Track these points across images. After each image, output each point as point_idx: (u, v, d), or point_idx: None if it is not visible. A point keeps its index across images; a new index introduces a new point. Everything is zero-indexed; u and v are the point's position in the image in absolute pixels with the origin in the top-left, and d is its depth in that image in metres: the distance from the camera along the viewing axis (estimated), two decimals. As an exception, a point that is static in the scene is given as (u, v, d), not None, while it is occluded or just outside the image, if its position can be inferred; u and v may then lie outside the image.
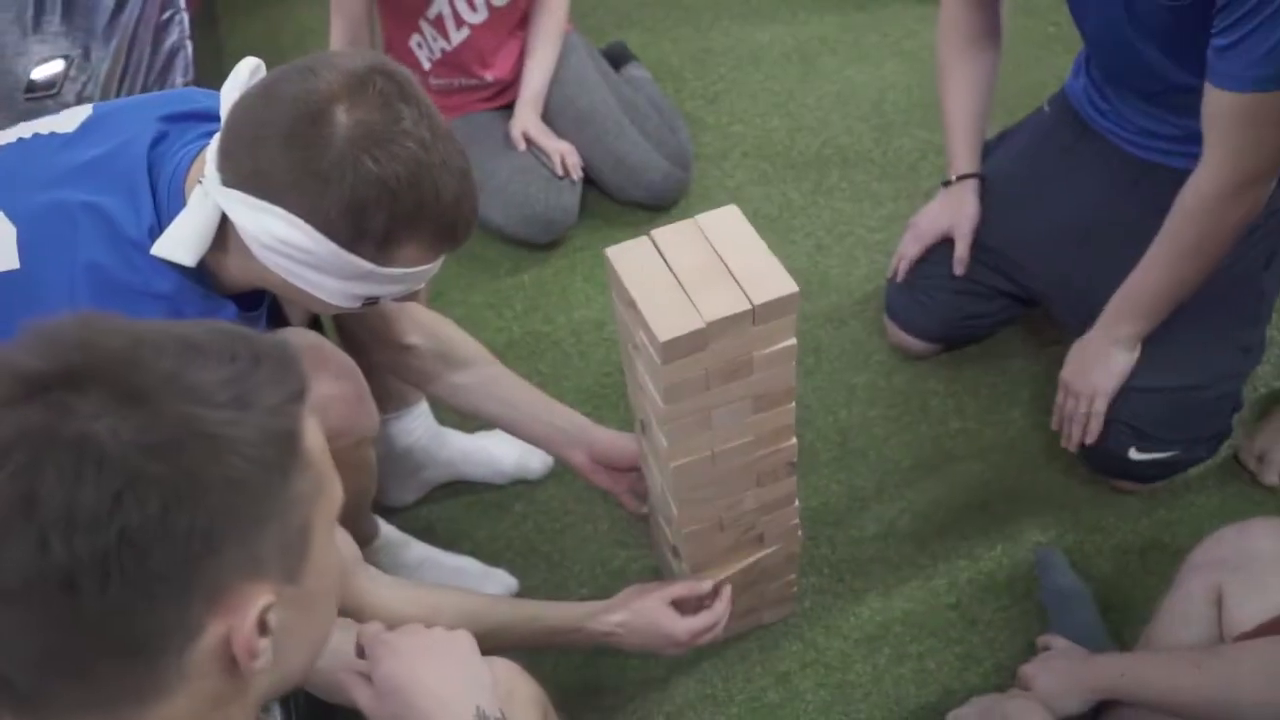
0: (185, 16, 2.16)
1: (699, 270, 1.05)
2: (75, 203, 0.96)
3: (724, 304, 1.02)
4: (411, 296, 1.16)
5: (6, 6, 2.23)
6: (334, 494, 0.65)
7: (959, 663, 1.39)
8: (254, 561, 0.58)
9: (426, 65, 1.96)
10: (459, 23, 1.89)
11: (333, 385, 1.12)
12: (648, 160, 1.96)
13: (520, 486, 1.63)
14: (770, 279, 1.03)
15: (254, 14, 2.59)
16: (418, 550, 1.47)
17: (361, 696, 0.88)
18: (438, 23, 1.88)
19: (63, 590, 0.51)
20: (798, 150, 2.14)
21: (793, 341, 1.07)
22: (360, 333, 1.30)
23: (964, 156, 1.63)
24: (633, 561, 1.53)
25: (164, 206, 0.97)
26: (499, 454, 1.61)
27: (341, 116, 0.88)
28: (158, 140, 1.00)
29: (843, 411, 1.69)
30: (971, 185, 1.63)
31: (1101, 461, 1.51)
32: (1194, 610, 1.17)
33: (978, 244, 1.62)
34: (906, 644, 1.42)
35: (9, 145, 1.05)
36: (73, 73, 2.18)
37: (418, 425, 1.54)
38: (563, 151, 1.94)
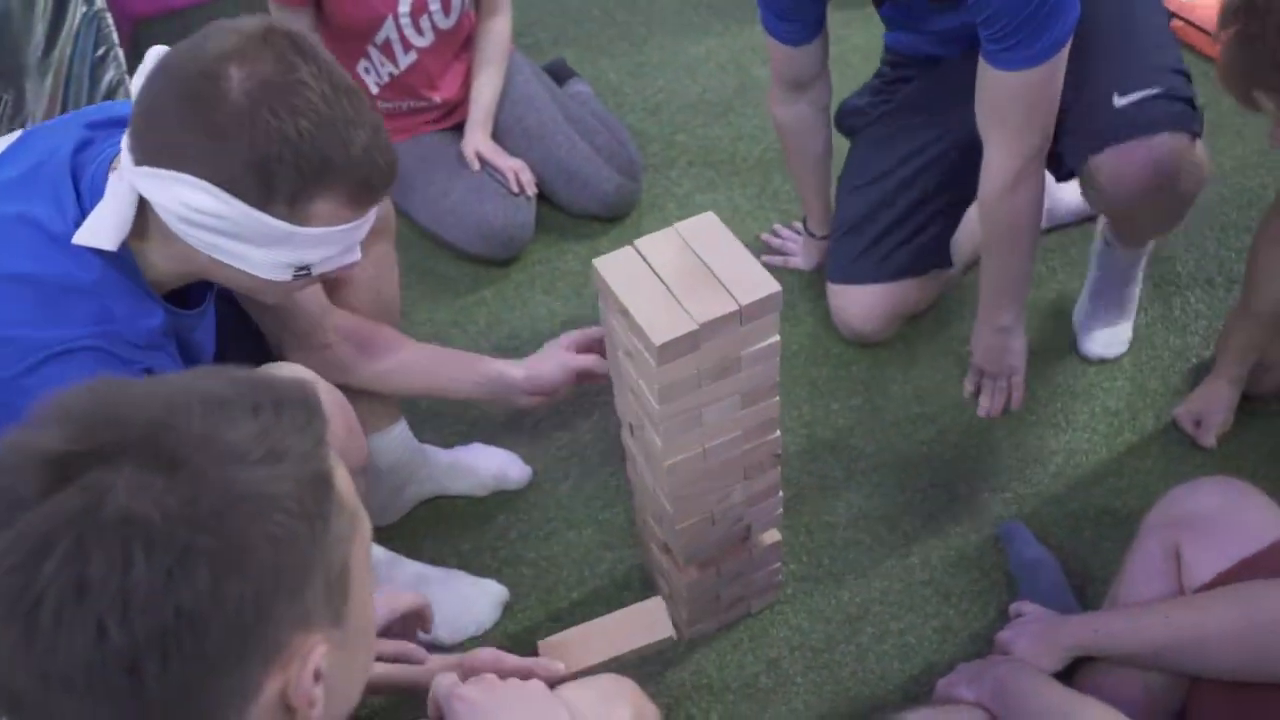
0: (120, 52, 2.15)
1: (685, 275, 1.10)
2: (7, 215, 0.96)
3: (713, 306, 1.07)
4: (348, 269, 1.08)
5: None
6: (366, 528, 0.67)
7: (937, 636, 1.46)
8: (305, 613, 0.58)
9: (374, 89, 1.98)
10: (406, 47, 1.92)
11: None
12: (599, 173, 2.00)
13: (501, 497, 1.66)
14: (753, 280, 1.09)
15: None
16: (409, 568, 1.50)
17: None
18: (385, 48, 1.91)
19: (125, 674, 0.51)
20: (740, 156, 2.21)
21: (776, 338, 1.13)
22: (283, 336, 1.31)
23: (819, 218, 1.88)
24: (619, 563, 1.57)
25: (87, 202, 0.97)
26: (478, 466, 1.64)
27: (235, 72, 0.88)
28: (82, 146, 1.01)
29: (806, 406, 1.76)
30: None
31: (1086, 123, 1.46)
32: (1154, 568, 1.26)
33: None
34: (887, 621, 1.48)
35: None
36: (8, 111, 2.15)
37: (398, 445, 1.56)
38: (516, 169, 1.98)
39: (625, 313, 1.09)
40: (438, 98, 2.02)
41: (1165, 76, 1.44)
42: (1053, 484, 1.62)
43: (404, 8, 1.86)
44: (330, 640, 0.60)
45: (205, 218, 0.92)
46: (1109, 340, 1.76)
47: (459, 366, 1.43)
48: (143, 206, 0.95)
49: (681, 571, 1.36)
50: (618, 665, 1.12)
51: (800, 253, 1.94)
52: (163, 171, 0.91)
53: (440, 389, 1.45)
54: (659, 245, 1.14)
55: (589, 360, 1.40)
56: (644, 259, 1.13)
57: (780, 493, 1.34)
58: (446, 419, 1.76)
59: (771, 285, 1.09)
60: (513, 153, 2.02)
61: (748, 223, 2.07)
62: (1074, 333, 1.80)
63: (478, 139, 2.00)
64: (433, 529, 1.63)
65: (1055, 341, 1.81)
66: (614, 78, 2.43)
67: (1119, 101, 1.43)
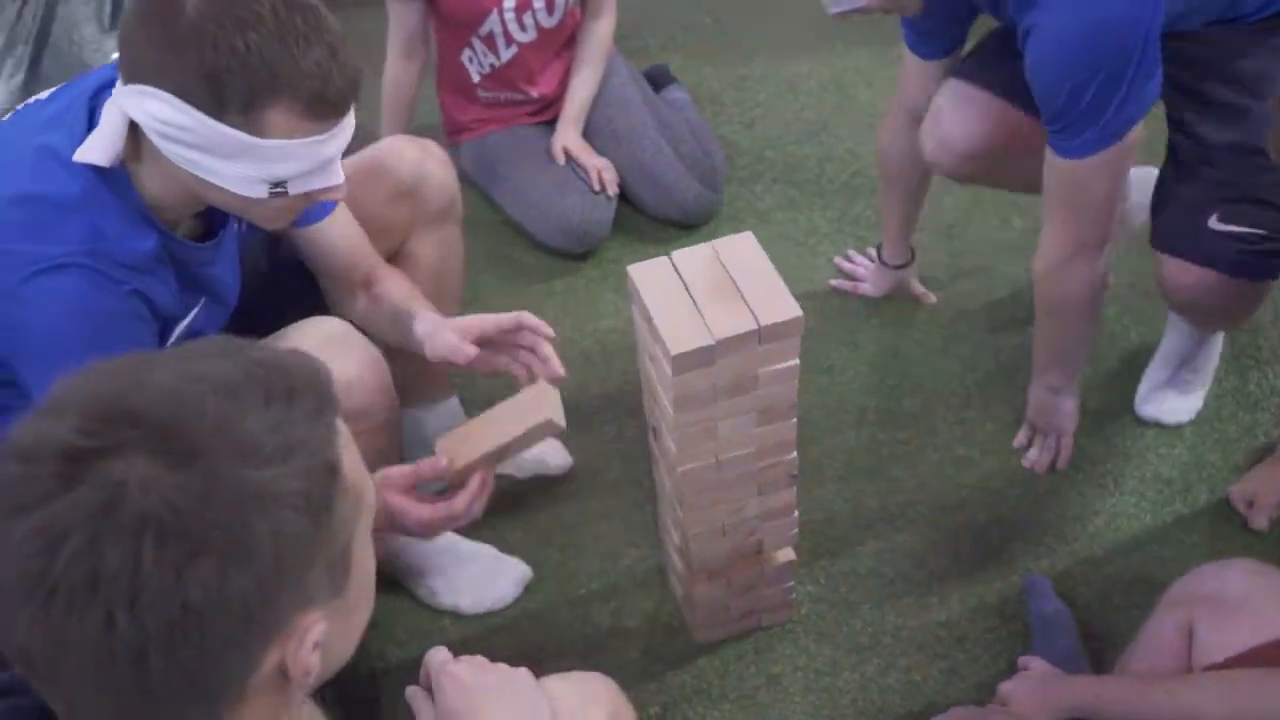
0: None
1: (712, 290, 1.13)
2: (31, 146, 1.06)
3: (733, 323, 1.10)
4: (332, 193, 1.11)
5: (87, 1, 2.36)
6: (370, 502, 0.67)
7: (943, 677, 1.46)
8: (306, 595, 0.60)
9: (476, 78, 2.06)
10: (509, 41, 1.99)
11: (357, 369, 1.21)
12: (680, 180, 2.04)
13: (540, 481, 1.71)
14: (777, 302, 1.12)
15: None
16: (440, 536, 1.56)
17: (425, 717, 0.91)
18: (488, 40, 1.99)
19: (132, 661, 0.54)
20: (827, 178, 2.22)
21: (795, 362, 1.15)
22: (328, 281, 1.37)
23: (896, 249, 1.87)
24: (641, 561, 1.61)
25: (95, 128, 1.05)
26: (521, 450, 1.70)
27: None
28: (108, 84, 1.08)
29: (851, 432, 1.76)
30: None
31: (1173, 232, 1.42)
32: (1166, 642, 1.23)
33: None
34: (895, 656, 1.49)
35: (6, 120, 1.15)
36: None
37: (449, 418, 1.64)
38: (600, 168, 2.03)
39: (649, 319, 1.12)
40: (535, 92, 2.09)
41: (1274, 218, 1.38)
42: (1090, 544, 1.59)
43: (509, 3, 1.93)
44: (330, 612, 0.62)
45: (172, 129, 0.99)
46: (1173, 408, 1.72)
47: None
48: (137, 131, 1.03)
49: (692, 577, 1.39)
50: (508, 451, 1.15)
51: (870, 280, 1.95)
52: (135, 87, 0.99)
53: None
54: (693, 259, 1.17)
55: (465, 354, 1.24)
56: (676, 270, 1.16)
57: (795, 513, 1.36)
58: (496, 402, 1.83)
59: (793, 310, 1.11)
60: (600, 152, 2.08)
61: (824, 245, 2.08)
62: (1138, 392, 1.75)
63: (568, 135, 2.06)
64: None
65: (1120, 400, 1.77)
66: (715, 87, 2.46)
67: (1215, 224, 1.40)
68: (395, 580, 1.58)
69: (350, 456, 0.64)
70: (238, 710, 0.60)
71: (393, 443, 1.36)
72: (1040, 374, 1.63)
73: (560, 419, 1.13)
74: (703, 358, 1.09)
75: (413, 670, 1.41)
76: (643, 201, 2.10)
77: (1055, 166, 1.37)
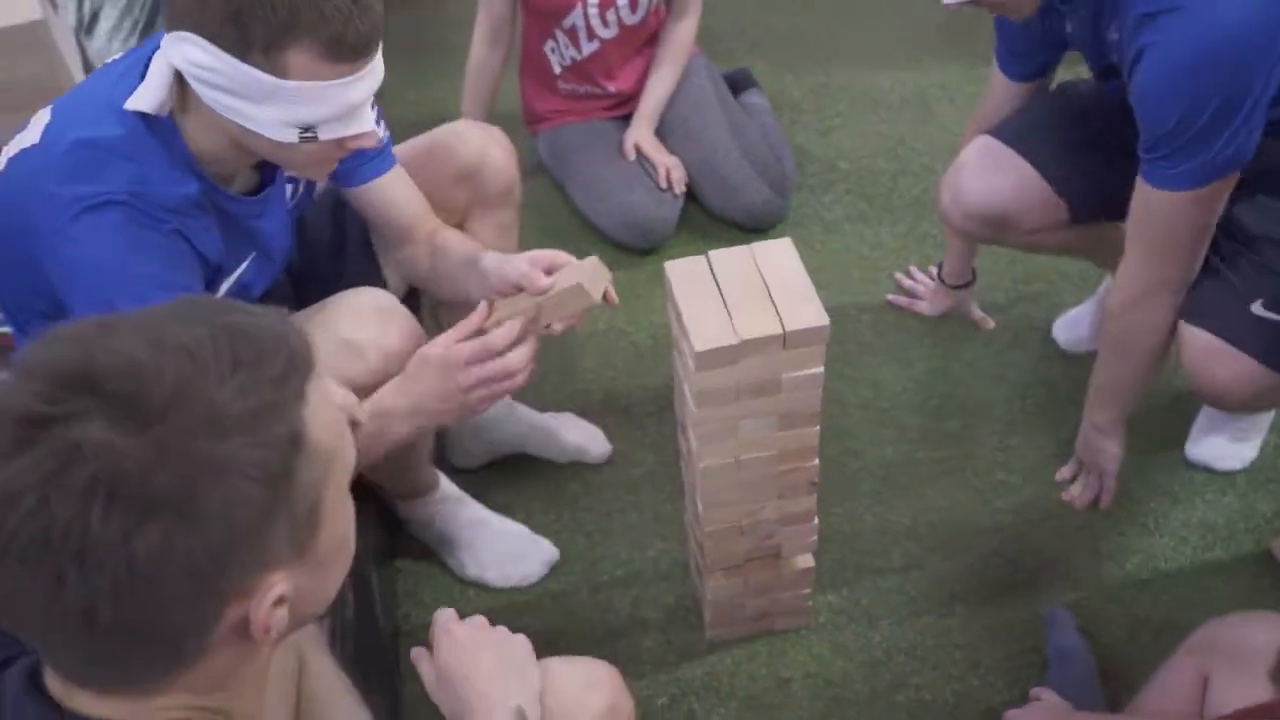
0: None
1: (744, 292, 1.16)
2: (95, 98, 1.13)
3: (758, 326, 1.12)
4: (361, 141, 1.15)
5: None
6: (345, 461, 0.68)
7: (954, 699, 1.45)
8: (263, 557, 0.61)
9: (557, 70, 2.11)
10: (591, 35, 2.03)
11: (399, 340, 1.25)
12: (748, 184, 2.06)
13: (578, 468, 1.75)
14: (806, 310, 1.13)
15: (409, 2, 2.78)
16: (472, 510, 1.61)
17: (426, 674, 0.95)
18: (571, 33, 2.03)
19: (83, 616, 0.56)
20: (899, 193, 2.21)
21: (819, 370, 1.17)
22: (382, 234, 1.44)
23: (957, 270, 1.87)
24: (666, 554, 1.63)
25: None
26: (562, 434, 1.74)
27: None
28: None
29: (890, 448, 1.76)
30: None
31: (1211, 310, 1.39)
32: (1180, 687, 1.21)
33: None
34: (908, 675, 1.48)
35: (88, 77, 1.22)
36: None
37: (491, 398, 1.68)
38: (669, 166, 2.06)
39: (679, 315, 1.15)
40: (613, 87, 2.13)
41: None
42: (1123, 582, 1.57)
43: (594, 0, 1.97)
44: (295, 570, 0.63)
45: (206, 73, 1.05)
46: (1226, 453, 1.68)
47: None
48: (185, 82, 1.09)
49: (709, 573, 1.41)
50: (543, 314, 1.19)
51: (928, 298, 1.94)
52: (176, 34, 1.05)
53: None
54: (730, 260, 1.19)
55: (536, 281, 1.22)
56: (712, 270, 1.18)
57: (815, 520, 1.37)
58: (549, 386, 1.88)
59: (821, 318, 1.12)
60: (673, 150, 2.11)
61: (888, 259, 2.08)
62: (1190, 434, 1.72)
63: (641, 132, 2.09)
64: (509, 482, 1.74)
65: (1171, 440, 1.74)
66: (795, 94, 2.47)
67: (1259, 310, 1.36)
68: (428, 549, 1.64)
69: (324, 419, 0.64)
70: (199, 660, 0.62)
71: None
72: (1093, 410, 1.60)
73: (596, 292, 1.15)
74: (726, 356, 1.12)
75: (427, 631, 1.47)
76: (710, 202, 2.12)
77: (1147, 197, 1.32)
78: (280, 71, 1.04)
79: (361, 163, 1.35)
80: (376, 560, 1.53)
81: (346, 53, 1.05)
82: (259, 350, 0.61)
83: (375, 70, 1.10)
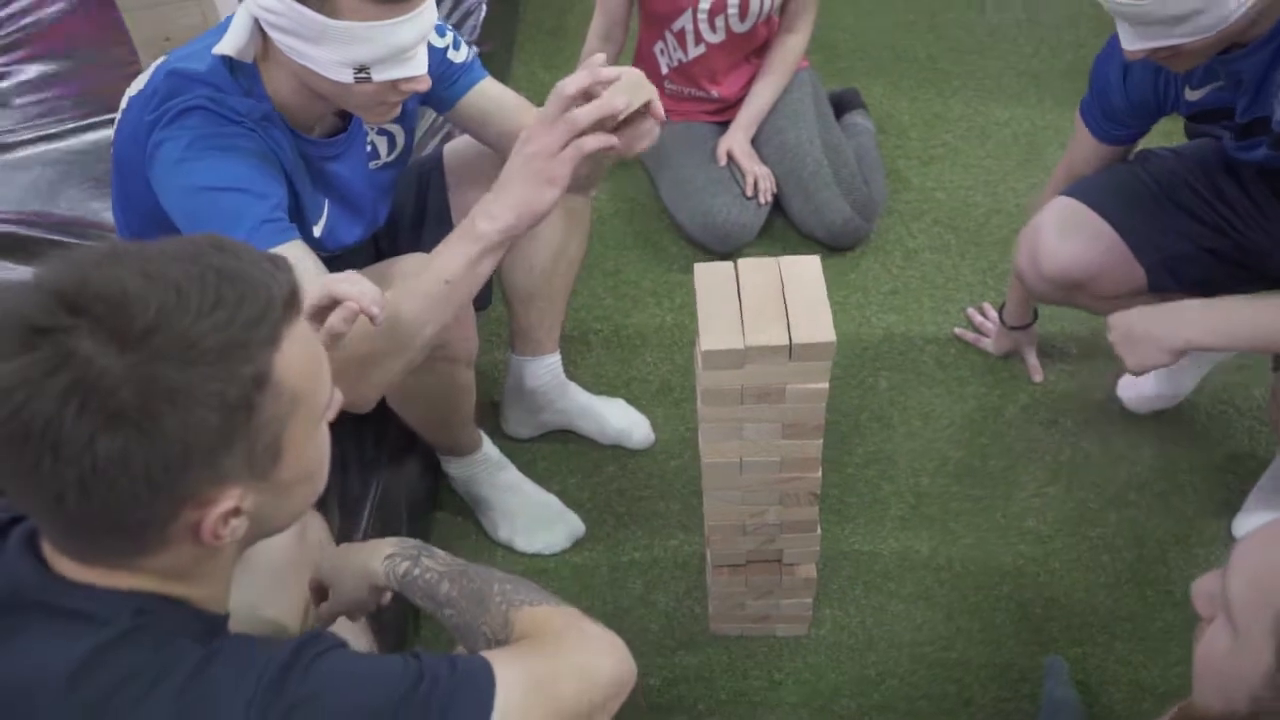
0: (489, -19, 2.48)
1: (763, 302, 1.21)
2: (203, 44, 1.24)
3: (767, 334, 1.17)
4: (412, 84, 1.22)
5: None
6: (315, 401, 0.76)
7: (937, 730, 1.47)
8: (219, 474, 0.70)
9: (664, 70, 2.18)
10: (698, 39, 2.10)
11: None
12: (832, 202, 2.09)
13: (619, 451, 1.83)
14: (816, 326, 1.18)
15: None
16: (511, 475, 1.71)
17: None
18: (679, 36, 2.10)
19: (55, 499, 0.66)
20: (989, 230, 2.20)
21: (824, 385, 1.21)
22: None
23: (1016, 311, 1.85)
24: (686, 544, 1.70)
25: None
26: (608, 417, 1.82)
27: None
28: None
29: (926, 478, 1.77)
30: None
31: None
32: None
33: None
34: (897, 699, 1.51)
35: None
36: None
37: (546, 373, 1.78)
38: (758, 175, 2.11)
39: (697, 315, 1.21)
40: (716, 92, 2.19)
41: None
42: (1135, 647, 1.55)
43: (704, 4, 2.03)
44: (254, 489, 0.72)
45: (272, 15, 1.15)
46: (1272, 532, 1.62)
47: None
48: (265, 32, 1.19)
49: (713, 567, 1.47)
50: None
51: (994, 336, 1.93)
52: None
53: None
54: (755, 269, 1.24)
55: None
56: (736, 276, 1.24)
57: (818, 531, 1.41)
58: (609, 370, 1.96)
59: (828, 335, 1.16)
60: (765, 160, 2.16)
61: (962, 293, 2.07)
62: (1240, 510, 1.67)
63: (736, 139, 2.15)
64: (553, 455, 1.84)
65: (1220, 510, 1.69)
66: (905, 120, 2.47)
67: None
68: (467, 505, 1.74)
69: (296, 362, 0.72)
70: (161, 550, 0.72)
71: (467, 377, 1.50)
72: None
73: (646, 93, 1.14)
74: (731, 359, 1.17)
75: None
76: (794, 215, 2.16)
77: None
78: (331, 12, 1.13)
79: (452, 81, 1.43)
80: (411, 509, 1.64)
81: None
82: (240, 293, 0.68)
83: (424, 13, 1.17)
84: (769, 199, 2.13)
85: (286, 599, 1.16)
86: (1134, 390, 1.86)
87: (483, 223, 1.14)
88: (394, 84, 1.21)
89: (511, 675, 0.83)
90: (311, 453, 0.78)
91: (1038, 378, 1.88)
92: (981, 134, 2.43)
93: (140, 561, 0.73)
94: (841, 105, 2.35)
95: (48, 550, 0.75)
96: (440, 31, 1.41)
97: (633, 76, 1.13)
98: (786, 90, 2.18)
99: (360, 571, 1.03)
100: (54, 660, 0.71)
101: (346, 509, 1.49)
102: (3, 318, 0.66)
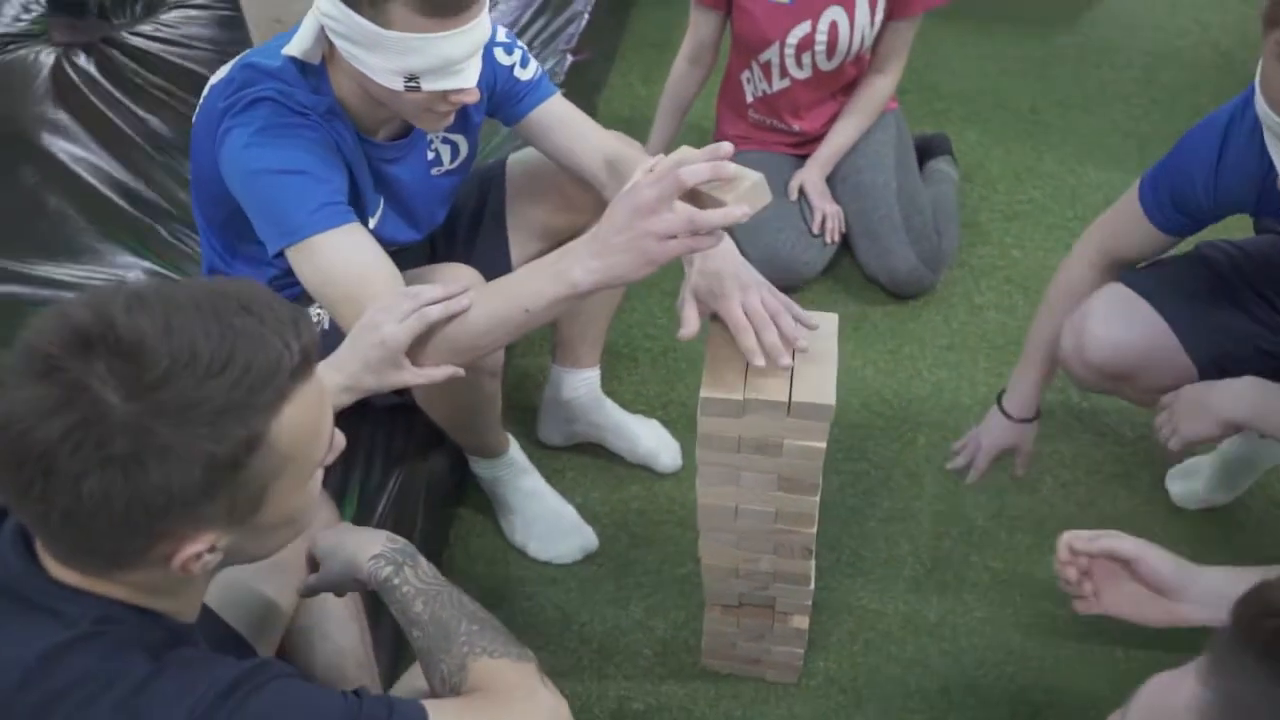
0: (595, -9, 2.52)
1: (735, 362, 1.20)
2: (280, 41, 1.31)
3: (768, 388, 1.17)
4: (460, 97, 1.26)
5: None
6: (308, 459, 0.79)
7: (910, 802, 1.45)
8: (197, 520, 0.74)
9: (749, 99, 2.18)
10: (783, 73, 2.09)
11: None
12: (898, 249, 2.06)
13: (645, 472, 1.85)
14: (818, 387, 1.17)
15: (667, 4, 2.91)
16: (533, 481, 1.75)
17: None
18: (765, 68, 2.10)
19: (42, 517, 0.72)
20: (1061, 295, 2.14)
21: (822, 445, 1.20)
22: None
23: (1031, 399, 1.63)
24: (694, 575, 1.70)
25: None
26: (640, 437, 1.84)
27: None
28: None
29: (948, 543, 1.74)
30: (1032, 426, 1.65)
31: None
32: None
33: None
34: (877, 762, 1.49)
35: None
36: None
37: (582, 385, 1.81)
38: (828, 214, 2.10)
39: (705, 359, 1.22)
40: (798, 126, 2.18)
41: None
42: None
43: (792, 39, 2.03)
44: (230, 532, 0.77)
45: (332, 21, 1.20)
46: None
47: None
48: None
49: (708, 604, 1.48)
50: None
51: (981, 449, 1.68)
52: None
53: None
54: (772, 321, 1.25)
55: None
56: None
57: (811, 585, 1.41)
58: (651, 390, 1.98)
59: (828, 398, 1.16)
60: (838, 199, 2.14)
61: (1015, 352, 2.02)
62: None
63: (811, 174, 2.14)
64: (581, 466, 1.87)
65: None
66: (995, 171, 2.42)
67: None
68: (490, 506, 1.79)
69: (295, 424, 0.75)
70: (135, 571, 0.77)
71: (493, 387, 1.54)
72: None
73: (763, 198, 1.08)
74: (728, 408, 1.18)
75: (463, 574, 1.61)
76: (860, 257, 2.14)
77: None
78: (384, 22, 1.17)
79: (519, 99, 1.47)
80: (433, 502, 1.68)
81: (441, 9, 1.17)
82: (249, 359, 0.72)
83: (475, 29, 1.21)
84: (836, 238, 2.12)
85: (283, 579, 1.21)
86: (1183, 485, 1.79)
87: (579, 273, 1.09)
88: (443, 94, 1.25)
89: None
90: (296, 502, 0.82)
91: (1020, 474, 1.71)
92: (1072, 194, 2.36)
93: (115, 574, 0.79)
94: (928, 150, 2.32)
95: (39, 545, 0.80)
96: (508, 49, 1.45)
97: (754, 180, 1.06)
98: (869, 131, 2.16)
99: (348, 560, 1.08)
100: (14, 654, 0.76)
101: (365, 497, 1.54)
102: (27, 346, 0.71)
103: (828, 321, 1.26)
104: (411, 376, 1.17)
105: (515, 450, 1.74)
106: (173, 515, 0.73)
